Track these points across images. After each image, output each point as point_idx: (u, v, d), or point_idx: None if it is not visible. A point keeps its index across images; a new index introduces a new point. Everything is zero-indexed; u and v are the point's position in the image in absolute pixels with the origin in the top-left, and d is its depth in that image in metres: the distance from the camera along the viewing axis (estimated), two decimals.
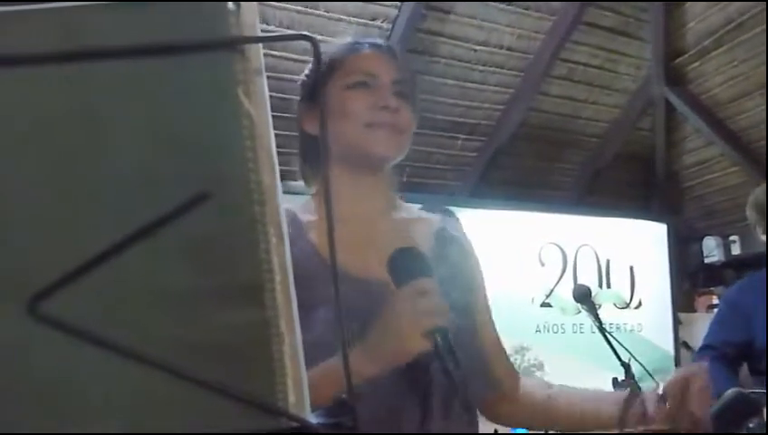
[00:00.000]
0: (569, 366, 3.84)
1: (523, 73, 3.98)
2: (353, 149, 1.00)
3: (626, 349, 2.30)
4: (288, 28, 3.42)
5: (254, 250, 0.44)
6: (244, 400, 0.46)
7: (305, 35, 0.42)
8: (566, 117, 4.30)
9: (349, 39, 1.07)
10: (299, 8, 3.40)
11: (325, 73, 1.02)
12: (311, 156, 1.08)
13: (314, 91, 1.06)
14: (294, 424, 0.48)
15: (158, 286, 0.44)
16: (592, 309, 2.43)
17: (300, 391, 0.49)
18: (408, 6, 3.50)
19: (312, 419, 0.49)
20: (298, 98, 1.11)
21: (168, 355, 0.44)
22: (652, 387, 0.98)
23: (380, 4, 3.52)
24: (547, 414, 1.10)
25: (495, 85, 3.99)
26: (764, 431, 1.04)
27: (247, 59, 0.42)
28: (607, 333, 2.35)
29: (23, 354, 0.43)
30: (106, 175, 0.42)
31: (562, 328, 3.99)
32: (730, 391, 1.32)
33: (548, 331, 4.02)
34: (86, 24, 0.40)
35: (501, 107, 4.08)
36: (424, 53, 3.69)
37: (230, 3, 0.41)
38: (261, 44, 0.43)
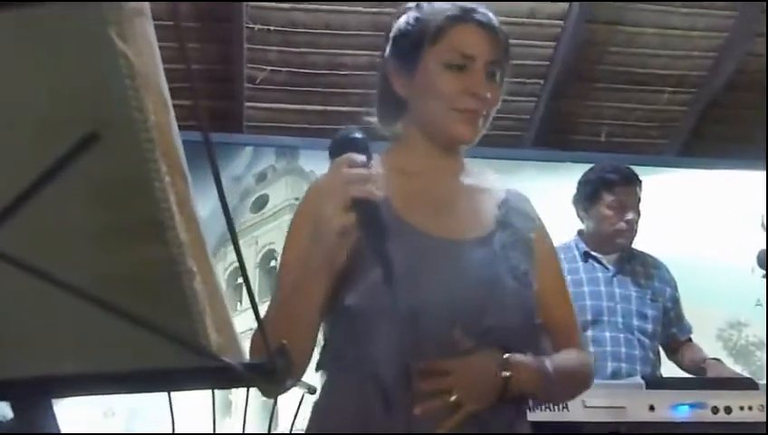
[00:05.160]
0: None
1: (737, 13, 3.52)
2: (434, 126, 1.04)
3: None
4: None
5: (148, 188, 0.45)
6: (162, 333, 0.47)
7: None
8: None
9: (454, 7, 1.03)
10: None
11: (424, 40, 1.02)
12: (390, 111, 1.10)
13: (411, 56, 1.04)
14: (215, 363, 0.48)
15: (73, 224, 0.47)
16: None
17: (228, 333, 0.49)
18: None
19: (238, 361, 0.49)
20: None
21: (92, 289, 0.47)
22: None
23: None
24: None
25: (704, 30, 3.58)
26: None
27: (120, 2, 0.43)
28: None
29: None
30: (9, 123, 0.45)
31: None
32: None
33: None
34: None
35: (712, 54, 3.65)
36: None
37: None
38: None
